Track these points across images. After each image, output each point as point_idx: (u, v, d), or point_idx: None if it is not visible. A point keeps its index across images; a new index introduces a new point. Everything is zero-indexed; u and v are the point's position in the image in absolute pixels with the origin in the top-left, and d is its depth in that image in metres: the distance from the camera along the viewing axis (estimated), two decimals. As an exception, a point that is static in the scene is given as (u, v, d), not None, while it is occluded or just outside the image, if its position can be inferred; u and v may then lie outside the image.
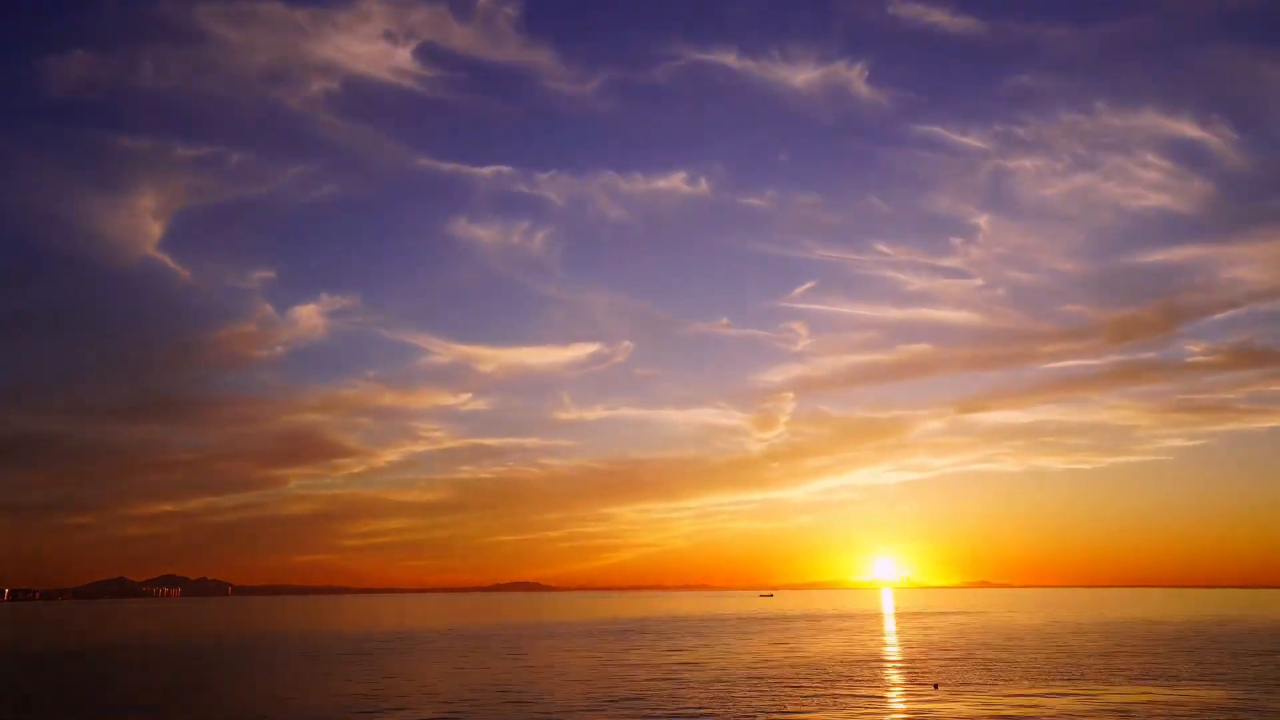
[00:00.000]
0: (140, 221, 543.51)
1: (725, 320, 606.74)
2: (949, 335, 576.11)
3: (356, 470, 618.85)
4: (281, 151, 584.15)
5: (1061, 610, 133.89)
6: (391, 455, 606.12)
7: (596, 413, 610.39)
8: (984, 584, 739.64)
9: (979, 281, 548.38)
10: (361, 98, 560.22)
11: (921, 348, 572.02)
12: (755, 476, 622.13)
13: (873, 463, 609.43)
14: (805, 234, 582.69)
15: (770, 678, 39.94)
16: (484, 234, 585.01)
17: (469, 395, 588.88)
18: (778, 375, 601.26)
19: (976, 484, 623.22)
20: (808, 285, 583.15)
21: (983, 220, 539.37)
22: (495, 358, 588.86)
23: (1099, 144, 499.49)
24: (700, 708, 30.76)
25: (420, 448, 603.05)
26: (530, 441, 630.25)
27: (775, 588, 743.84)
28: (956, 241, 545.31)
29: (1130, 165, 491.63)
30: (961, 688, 35.51)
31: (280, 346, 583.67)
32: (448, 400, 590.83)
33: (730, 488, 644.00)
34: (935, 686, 35.96)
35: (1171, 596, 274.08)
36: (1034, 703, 31.22)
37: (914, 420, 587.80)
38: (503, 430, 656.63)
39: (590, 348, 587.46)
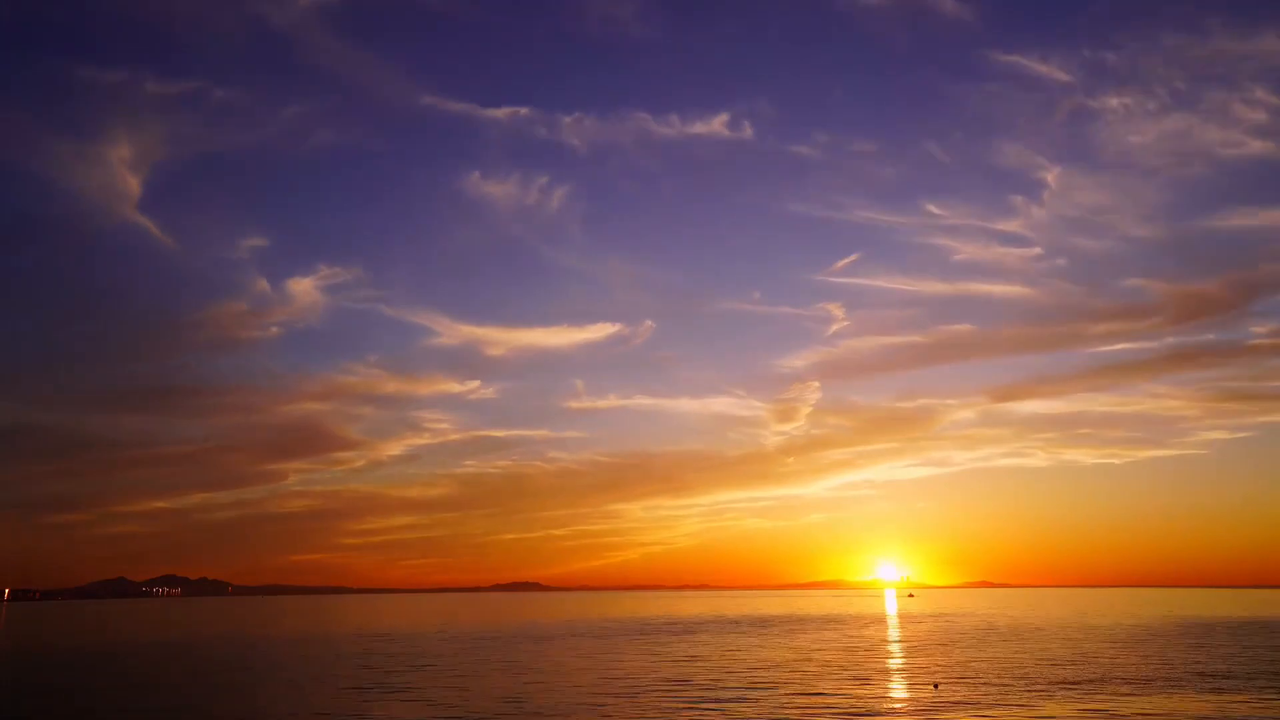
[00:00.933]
0: (116, 176, 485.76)
1: (757, 295, 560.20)
2: (993, 313, 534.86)
3: (357, 465, 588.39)
4: (269, 86, 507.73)
5: (1096, 612, 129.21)
6: (394, 448, 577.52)
7: (609, 401, 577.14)
8: (984, 584, 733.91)
9: (1036, 251, 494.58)
10: (358, 14, 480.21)
11: (961, 329, 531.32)
12: (770, 471, 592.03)
13: (894, 457, 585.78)
14: (853, 190, 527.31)
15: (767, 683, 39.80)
16: (498, 191, 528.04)
17: (477, 384, 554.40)
18: (804, 359, 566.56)
19: (1000, 480, 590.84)
20: (850, 259, 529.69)
21: (1053, 174, 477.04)
22: (506, 340, 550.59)
23: (1204, 75, 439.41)
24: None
25: (423, 440, 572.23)
26: (539, 433, 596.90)
27: (769, 588, 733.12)
28: (1018, 200, 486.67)
29: (1235, 103, 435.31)
30: (961, 686, 35.53)
31: (275, 327, 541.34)
32: (454, 388, 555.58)
33: (743, 483, 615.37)
34: (935, 686, 35.87)
35: (1200, 596, 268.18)
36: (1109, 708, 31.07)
37: (942, 411, 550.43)
38: (511, 421, 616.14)
39: (609, 328, 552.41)
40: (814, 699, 32.50)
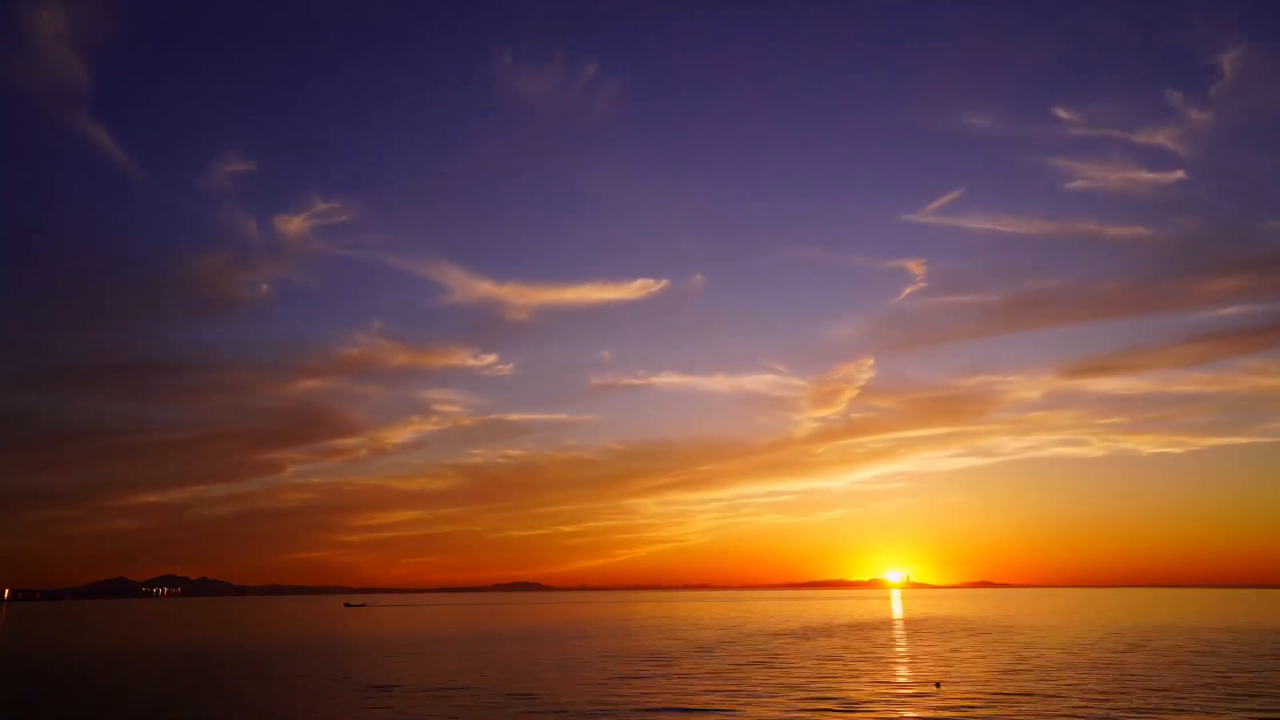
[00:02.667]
0: (51, 57, 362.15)
1: (827, 240, 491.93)
2: (1095, 263, 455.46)
3: (359, 454, 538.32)
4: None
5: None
6: (399, 435, 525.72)
7: (635, 379, 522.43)
8: (984, 584, 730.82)
9: (1177, 175, 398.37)
10: None
11: (1049, 284, 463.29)
12: (797, 461, 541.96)
13: (937, 446, 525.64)
14: (972, 86, 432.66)
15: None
16: (532, 85, 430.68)
17: (493, 358, 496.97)
18: (862, 326, 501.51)
19: (1047, 472, 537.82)
20: (949, 196, 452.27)
21: (1231, 57, 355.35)
22: (529, 300, 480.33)
23: None
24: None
25: (431, 426, 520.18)
26: (555, 417, 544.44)
27: (764, 588, 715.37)
28: (1175, 96, 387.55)
29: None
30: (964, 685, 34.62)
31: (265, 284, 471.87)
32: (468, 361, 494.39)
33: (766, 475, 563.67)
34: (937, 685, 35.05)
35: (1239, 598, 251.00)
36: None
37: (1002, 390, 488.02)
38: (526, 402, 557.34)
39: (649, 285, 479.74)
40: (810, 697, 31.61)
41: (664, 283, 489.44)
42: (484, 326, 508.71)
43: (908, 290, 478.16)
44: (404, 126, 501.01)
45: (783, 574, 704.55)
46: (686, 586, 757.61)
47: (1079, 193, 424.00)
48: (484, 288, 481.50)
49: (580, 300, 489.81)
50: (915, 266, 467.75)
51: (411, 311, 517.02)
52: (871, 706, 29.59)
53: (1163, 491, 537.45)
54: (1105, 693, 32.31)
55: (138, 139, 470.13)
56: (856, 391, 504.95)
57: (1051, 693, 32.32)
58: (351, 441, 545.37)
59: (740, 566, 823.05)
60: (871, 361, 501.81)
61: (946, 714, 27.81)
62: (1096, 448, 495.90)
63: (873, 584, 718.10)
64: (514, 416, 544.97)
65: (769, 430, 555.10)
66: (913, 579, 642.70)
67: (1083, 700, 30.33)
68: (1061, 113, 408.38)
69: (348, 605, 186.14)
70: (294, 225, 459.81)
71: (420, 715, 28.31)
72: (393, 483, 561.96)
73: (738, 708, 29.37)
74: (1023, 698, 31.15)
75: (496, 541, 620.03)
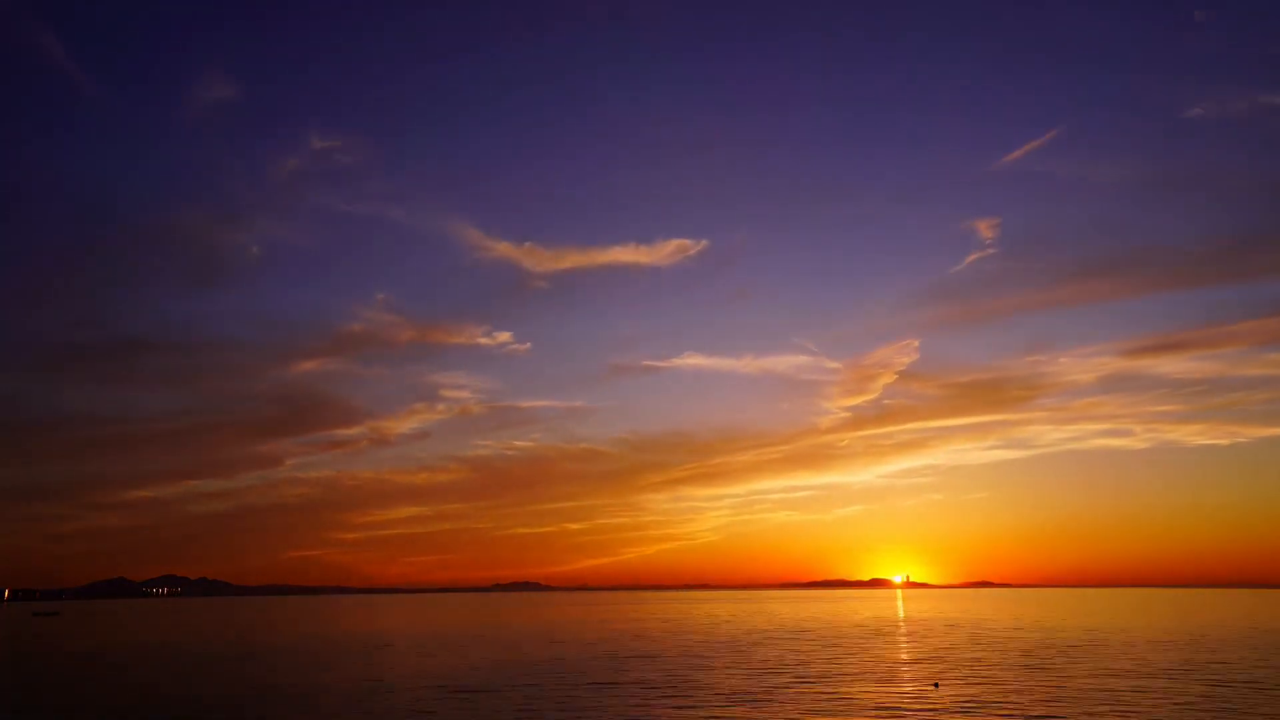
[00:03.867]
0: None
1: (890, 193, 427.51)
2: (1190, 213, 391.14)
3: (360, 445, 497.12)
4: None
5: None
6: (403, 424, 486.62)
7: (656, 359, 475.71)
8: (984, 583, 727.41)
9: None
10: None
11: (1133, 243, 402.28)
12: (820, 453, 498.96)
13: (973, 437, 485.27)
14: None
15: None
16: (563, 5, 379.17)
17: (509, 335, 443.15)
18: (913, 297, 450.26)
19: (1084, 465, 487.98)
20: (1042, 139, 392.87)
21: None
22: (551, 265, 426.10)
23: None
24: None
25: (438, 414, 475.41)
26: (569, 404, 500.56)
27: (761, 587, 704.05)
28: None
29: None
30: (963, 685, 34.81)
31: (254, 246, 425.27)
32: (480, 340, 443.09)
33: (784, 468, 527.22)
34: (936, 685, 35.23)
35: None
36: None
37: (1052, 373, 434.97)
38: (540, 387, 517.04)
39: (688, 246, 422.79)
40: (809, 697, 31.80)
41: (703, 244, 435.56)
42: (499, 296, 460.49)
43: (971, 257, 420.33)
44: (417, 50, 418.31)
45: (782, 574, 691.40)
46: (689, 586, 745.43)
47: (1193, 122, 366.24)
48: (501, 249, 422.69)
49: (608, 264, 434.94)
50: (986, 227, 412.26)
51: (419, 279, 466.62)
52: (871, 706, 29.86)
53: (1203, 487, 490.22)
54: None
55: (98, 53, 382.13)
56: (894, 377, 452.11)
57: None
58: (352, 431, 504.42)
59: (744, 566, 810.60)
60: (916, 344, 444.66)
61: (946, 714, 28.07)
62: (1141, 439, 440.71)
63: (873, 584, 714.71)
64: (525, 403, 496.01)
65: (793, 419, 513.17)
66: (911, 579, 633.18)
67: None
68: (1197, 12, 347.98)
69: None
70: (286, 170, 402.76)
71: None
72: (395, 476, 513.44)
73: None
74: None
75: (500, 539, 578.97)
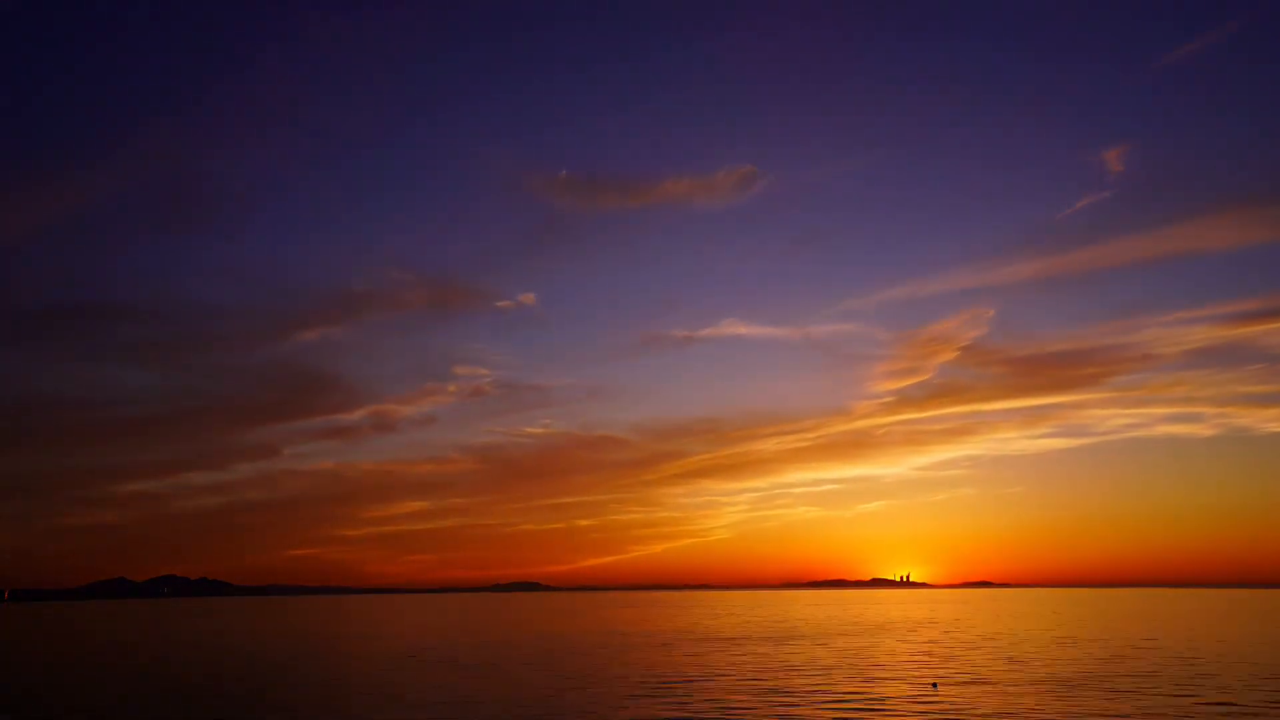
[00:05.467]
0: None
1: (1018, 111, 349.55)
2: None
3: (363, 431, 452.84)
4: None
5: None
6: (410, 408, 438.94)
7: (693, 327, 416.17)
8: (978, 583, 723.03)
9: None
10: None
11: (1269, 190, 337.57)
12: (856, 443, 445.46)
13: (1026, 424, 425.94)
14: None
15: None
16: None
17: (532, 297, 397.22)
18: (1003, 253, 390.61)
19: (1139, 456, 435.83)
20: (1216, 32, 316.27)
21: None
22: (587, 204, 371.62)
23: None
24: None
25: (449, 396, 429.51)
26: (592, 381, 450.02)
27: (755, 587, 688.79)
28: None
29: None
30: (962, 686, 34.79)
31: (240, 181, 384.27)
32: (500, 304, 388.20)
33: (814, 459, 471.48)
34: (934, 686, 35.21)
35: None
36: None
37: (1138, 344, 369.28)
38: (561, 362, 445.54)
39: (747, 177, 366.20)
40: (806, 698, 31.78)
41: (765, 177, 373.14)
42: (524, 245, 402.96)
43: (1084, 200, 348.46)
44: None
45: (785, 574, 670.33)
46: (689, 586, 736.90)
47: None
48: (531, 182, 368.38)
49: (652, 203, 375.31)
50: (1114, 157, 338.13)
51: (432, 224, 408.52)
52: (870, 706, 29.86)
53: (1269, 478, 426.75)
54: None
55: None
56: (954, 354, 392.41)
57: None
58: (353, 416, 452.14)
59: (751, 566, 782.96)
60: (990, 313, 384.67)
61: (945, 714, 28.06)
62: (1209, 424, 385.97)
63: (873, 584, 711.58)
64: (543, 382, 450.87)
65: (829, 401, 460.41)
66: (911, 579, 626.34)
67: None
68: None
69: None
70: (270, 57, 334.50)
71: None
72: (398, 468, 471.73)
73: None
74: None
75: (506, 537, 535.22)
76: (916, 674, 39.54)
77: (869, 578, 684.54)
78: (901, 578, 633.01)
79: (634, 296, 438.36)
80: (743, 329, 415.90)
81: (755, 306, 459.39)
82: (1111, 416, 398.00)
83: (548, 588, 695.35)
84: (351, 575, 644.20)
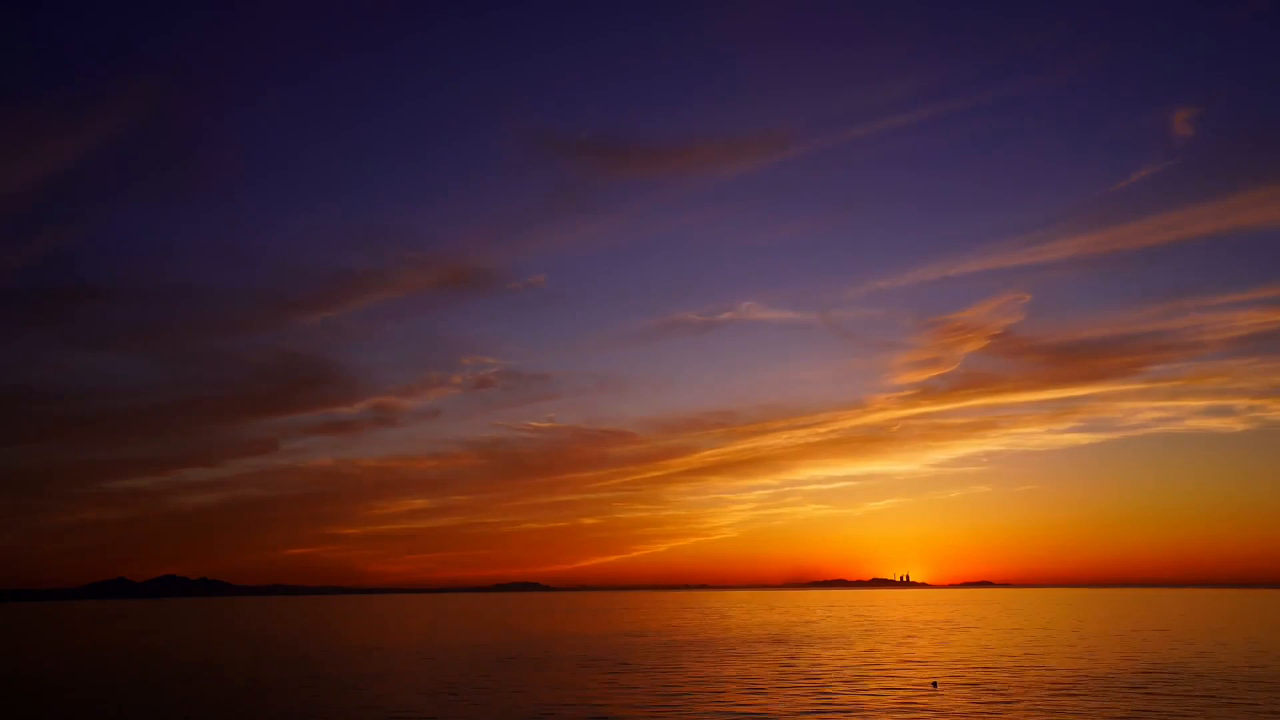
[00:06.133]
0: None
1: (1094, 59, 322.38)
2: None
3: (363, 425, 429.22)
4: None
5: None
6: (413, 400, 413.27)
7: (703, 311, 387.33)
8: (984, 583, 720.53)
9: None
10: None
11: None
12: (871, 438, 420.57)
13: (1050, 418, 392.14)
14: None
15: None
16: None
17: (543, 278, 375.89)
18: (1048, 225, 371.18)
19: (1166, 453, 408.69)
20: None
21: None
22: (610, 168, 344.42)
23: None
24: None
25: (454, 389, 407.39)
26: (600, 372, 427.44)
27: (756, 587, 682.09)
28: None
29: None
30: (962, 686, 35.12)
31: (227, 147, 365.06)
32: (511, 285, 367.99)
33: (827, 456, 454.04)
34: (935, 685, 35.49)
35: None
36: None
37: (1181, 331, 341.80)
38: (571, 349, 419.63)
39: (784, 140, 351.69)
40: (808, 697, 32.10)
41: (798, 142, 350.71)
42: (536, 220, 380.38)
43: (1144, 170, 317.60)
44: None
45: (787, 574, 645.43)
46: (689, 586, 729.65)
47: None
48: (546, 149, 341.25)
49: (674, 170, 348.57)
50: (1182, 119, 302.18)
51: (439, 198, 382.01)
52: (868, 707, 30.19)
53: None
54: None
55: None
56: (983, 343, 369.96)
57: None
58: (353, 410, 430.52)
59: (754, 566, 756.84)
60: (1027, 298, 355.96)
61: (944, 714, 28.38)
62: (1242, 419, 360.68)
63: (873, 584, 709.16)
64: (552, 371, 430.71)
65: (846, 392, 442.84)
66: (910, 578, 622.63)
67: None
68: None
69: None
70: (266, 10, 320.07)
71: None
72: (400, 464, 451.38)
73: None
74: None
75: (508, 536, 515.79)
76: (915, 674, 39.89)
77: (869, 578, 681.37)
78: (901, 578, 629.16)
79: (651, 276, 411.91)
80: (762, 313, 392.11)
81: (777, 287, 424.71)
82: (1141, 410, 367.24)
83: (547, 588, 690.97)
84: (351, 575, 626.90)
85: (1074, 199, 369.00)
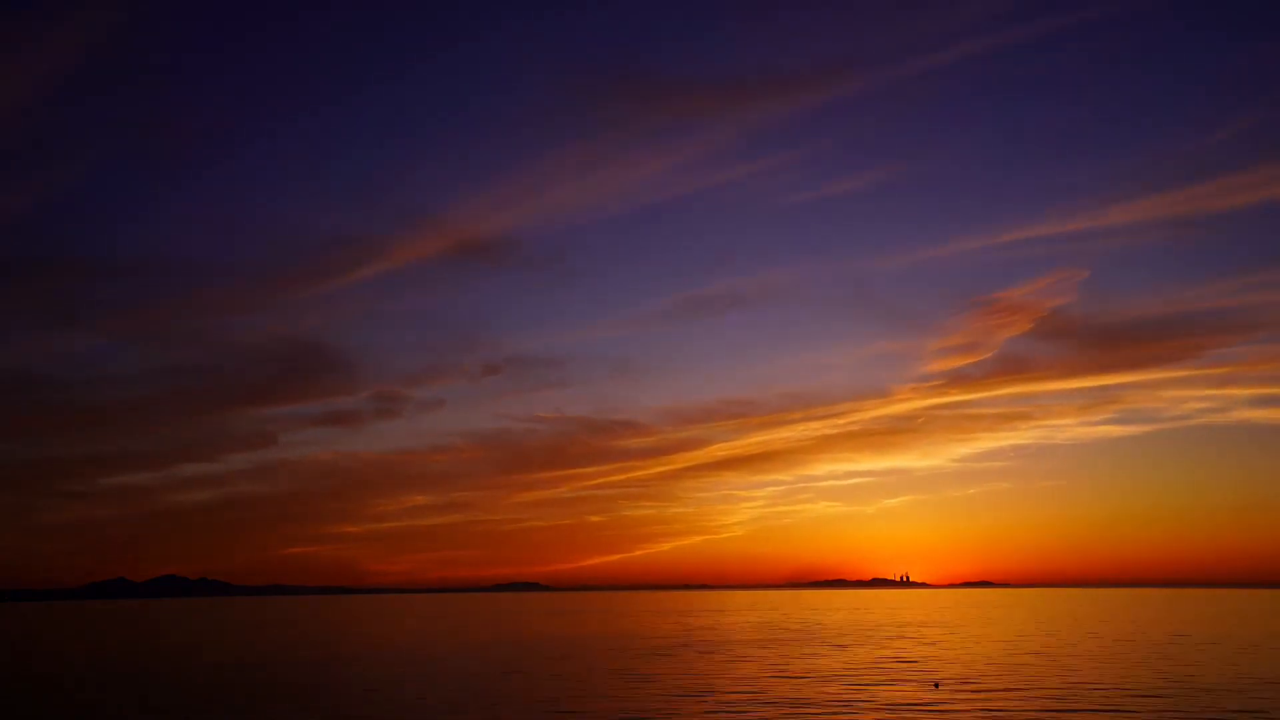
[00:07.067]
0: None
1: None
2: None
3: (365, 417, 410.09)
4: None
5: None
6: (420, 389, 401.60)
7: (735, 287, 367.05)
8: (984, 583, 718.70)
9: None
10: None
11: None
12: (894, 430, 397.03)
13: (1085, 409, 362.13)
14: None
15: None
16: None
17: (561, 246, 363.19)
18: (1118, 186, 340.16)
19: (1198, 447, 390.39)
20: None
21: None
22: (647, 112, 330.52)
23: None
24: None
25: (460, 376, 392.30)
26: (616, 357, 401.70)
27: (758, 587, 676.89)
28: None
29: None
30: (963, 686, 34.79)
31: (232, 86, 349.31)
32: (524, 258, 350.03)
33: (845, 450, 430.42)
34: (936, 685, 35.20)
35: None
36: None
37: (1255, 307, 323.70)
38: (588, 330, 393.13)
39: (842, 73, 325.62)
40: (808, 698, 31.80)
41: (849, 77, 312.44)
42: (553, 179, 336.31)
43: (1242, 120, 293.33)
44: None
45: (783, 575, 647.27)
46: (689, 586, 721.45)
47: None
48: (568, 93, 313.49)
49: (718, 115, 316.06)
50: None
51: (443, 149, 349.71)
52: (868, 707, 29.88)
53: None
54: None
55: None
56: (1027, 326, 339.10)
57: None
58: (354, 400, 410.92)
59: (756, 566, 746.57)
60: (1083, 275, 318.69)
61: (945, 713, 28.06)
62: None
63: (873, 583, 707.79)
64: (561, 356, 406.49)
65: (871, 381, 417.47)
66: (910, 578, 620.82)
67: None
68: None
69: None
70: None
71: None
72: (402, 457, 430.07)
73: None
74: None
75: (512, 534, 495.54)
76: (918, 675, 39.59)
77: (869, 577, 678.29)
78: (901, 578, 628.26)
79: (675, 244, 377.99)
80: (790, 288, 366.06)
81: (808, 255, 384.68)
82: (1186, 399, 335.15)
83: (547, 588, 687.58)
84: (351, 574, 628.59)
85: (1153, 152, 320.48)
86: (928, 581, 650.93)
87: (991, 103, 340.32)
